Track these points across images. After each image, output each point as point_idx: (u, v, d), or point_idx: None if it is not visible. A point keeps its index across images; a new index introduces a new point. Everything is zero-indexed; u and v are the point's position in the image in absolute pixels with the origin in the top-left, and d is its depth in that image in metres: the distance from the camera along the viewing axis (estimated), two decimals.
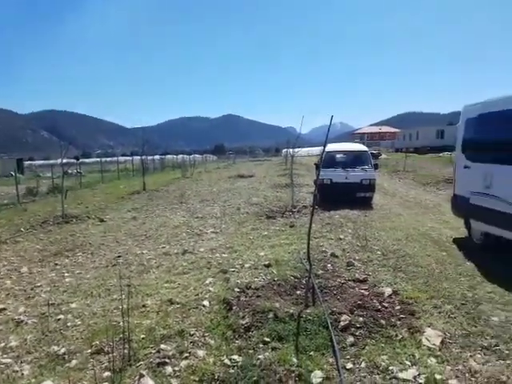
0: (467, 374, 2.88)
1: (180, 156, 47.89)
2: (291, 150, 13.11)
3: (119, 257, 6.72)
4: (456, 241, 6.97)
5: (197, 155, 51.73)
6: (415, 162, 25.39)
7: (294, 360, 3.07)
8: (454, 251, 6.36)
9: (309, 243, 4.31)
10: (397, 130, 67.48)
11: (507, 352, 3.16)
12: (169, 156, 51.65)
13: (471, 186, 6.25)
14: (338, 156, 11.95)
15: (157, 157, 44.84)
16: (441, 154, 31.01)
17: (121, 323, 3.69)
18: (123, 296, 4.21)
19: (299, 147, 20.92)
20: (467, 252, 6.20)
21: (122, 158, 46.84)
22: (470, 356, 3.13)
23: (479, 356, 3.13)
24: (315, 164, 12.29)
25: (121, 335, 3.46)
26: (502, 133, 5.74)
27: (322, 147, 4.73)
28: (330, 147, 12.53)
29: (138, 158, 28.60)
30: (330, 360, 3.09)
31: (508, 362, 3.02)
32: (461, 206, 6.78)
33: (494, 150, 5.93)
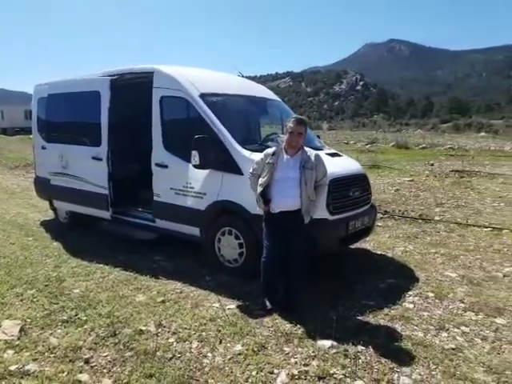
0: (46, 353, 2.87)
1: None
2: None
3: None
4: (44, 224, 6.85)
5: None
6: (3, 145, 22.95)
7: None
8: (42, 234, 6.22)
9: None
10: None
11: (85, 318, 3.41)
12: None
13: (50, 167, 6.27)
14: None
15: None
16: (31, 136, 29.57)
17: None
18: None
19: None
20: (55, 233, 6.22)
21: None
22: (51, 334, 3.15)
23: (60, 331, 3.20)
24: None
25: None
26: (67, 114, 6.13)
27: None
28: None
29: None
30: None
31: (85, 327, 3.27)
32: (43, 188, 6.69)
33: (64, 131, 6.17)
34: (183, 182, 4.58)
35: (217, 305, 3.68)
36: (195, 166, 4.24)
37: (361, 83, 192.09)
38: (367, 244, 5.52)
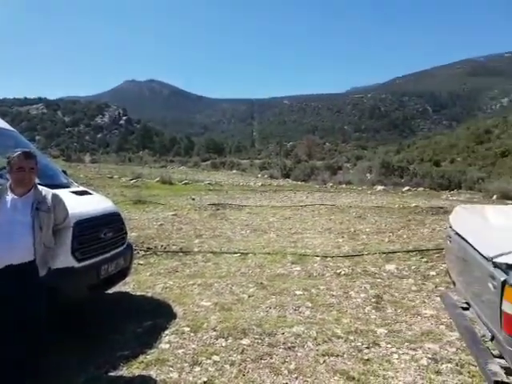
0: None
1: None
2: None
3: None
4: None
5: None
6: None
7: None
8: None
9: None
10: None
11: None
12: None
13: None
14: None
15: None
16: None
17: None
18: None
19: None
20: None
21: None
22: None
23: None
24: None
25: None
26: None
27: None
28: None
29: None
30: None
31: None
32: None
33: None
34: None
35: None
36: None
37: (124, 118, 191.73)
38: (127, 286, 5.20)
